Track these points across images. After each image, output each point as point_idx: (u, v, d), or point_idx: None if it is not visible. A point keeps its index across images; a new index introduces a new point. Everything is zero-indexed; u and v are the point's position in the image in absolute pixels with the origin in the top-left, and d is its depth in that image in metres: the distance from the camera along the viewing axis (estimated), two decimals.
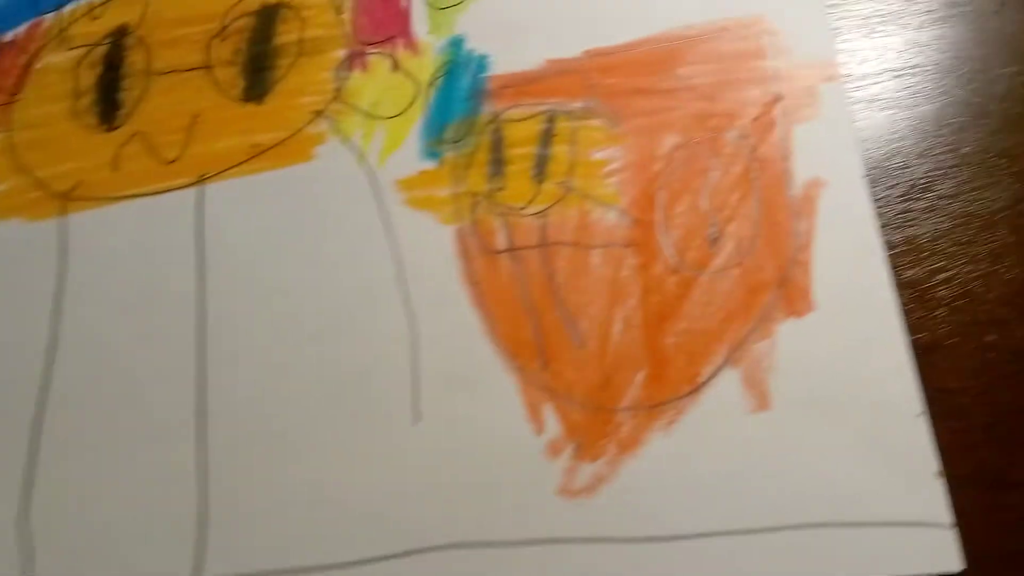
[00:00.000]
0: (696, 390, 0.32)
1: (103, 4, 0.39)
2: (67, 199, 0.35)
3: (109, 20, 0.39)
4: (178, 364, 0.33)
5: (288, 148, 0.37)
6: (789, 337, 0.32)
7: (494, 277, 0.34)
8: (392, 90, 0.38)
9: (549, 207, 0.35)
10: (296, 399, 0.33)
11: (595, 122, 0.37)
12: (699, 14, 0.39)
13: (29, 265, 0.34)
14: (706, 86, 0.37)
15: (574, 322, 0.33)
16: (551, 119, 0.37)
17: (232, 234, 0.35)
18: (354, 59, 0.38)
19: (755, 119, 0.36)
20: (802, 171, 0.35)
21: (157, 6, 0.39)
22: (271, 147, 0.36)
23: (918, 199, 0.35)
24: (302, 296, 0.34)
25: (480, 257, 0.34)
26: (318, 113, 0.37)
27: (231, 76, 0.38)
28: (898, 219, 0.34)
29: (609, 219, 0.35)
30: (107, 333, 0.33)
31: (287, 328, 0.33)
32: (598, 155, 0.36)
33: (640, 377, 0.32)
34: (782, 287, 0.33)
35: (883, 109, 0.37)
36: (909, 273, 0.33)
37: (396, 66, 0.38)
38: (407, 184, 0.36)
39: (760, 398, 0.32)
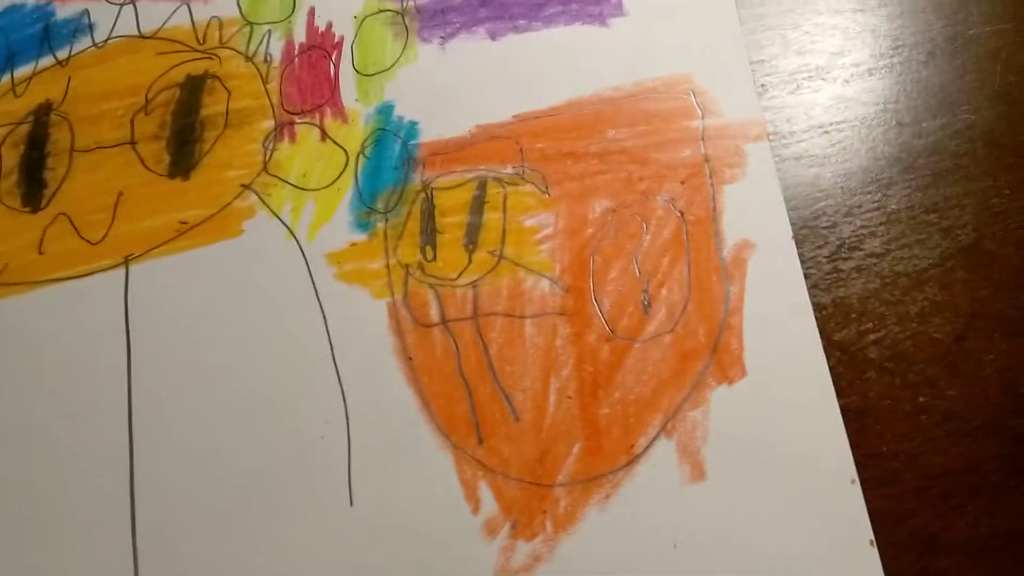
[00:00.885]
0: (632, 462, 0.31)
1: (25, 81, 0.37)
2: None
3: (31, 97, 0.37)
4: (109, 449, 0.32)
5: (216, 224, 0.35)
6: (722, 404, 0.32)
7: (427, 351, 0.33)
8: (321, 161, 0.37)
9: (482, 277, 0.34)
10: (229, 480, 0.32)
11: (526, 188, 0.36)
12: (625, 75, 0.38)
13: None
14: (635, 148, 0.37)
15: (509, 395, 0.32)
16: (482, 186, 0.36)
17: (160, 314, 0.33)
18: (282, 130, 0.37)
19: (683, 181, 0.36)
20: (731, 232, 0.35)
21: (80, 81, 0.38)
22: (199, 223, 0.35)
23: (847, 258, 0.34)
24: (233, 376, 0.33)
25: (413, 331, 0.33)
26: (246, 186, 0.36)
27: (156, 151, 0.36)
28: (827, 279, 0.34)
29: (542, 287, 0.34)
30: (37, 419, 0.31)
31: (219, 408, 0.32)
32: (530, 221, 0.35)
33: (576, 450, 0.32)
34: (714, 353, 0.33)
35: (810, 167, 0.36)
36: (839, 335, 0.33)
37: (324, 136, 0.37)
38: (338, 257, 0.35)
39: (695, 468, 0.31)
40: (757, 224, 0.35)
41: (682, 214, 0.35)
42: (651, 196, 0.36)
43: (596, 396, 0.32)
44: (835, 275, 0.34)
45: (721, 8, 0.40)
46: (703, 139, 0.37)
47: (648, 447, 0.31)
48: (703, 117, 0.37)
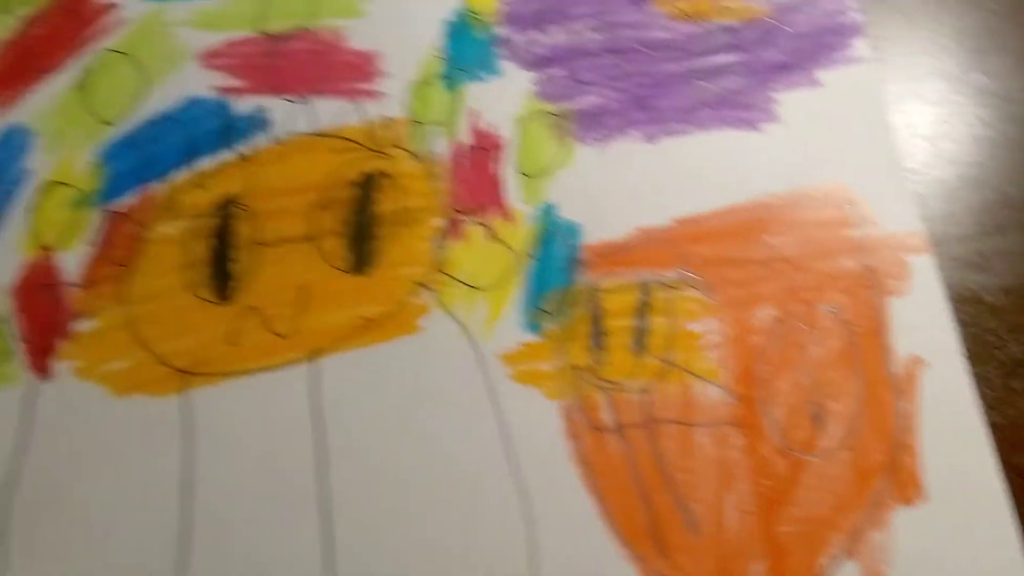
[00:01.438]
0: None
1: (208, 174, 0.39)
2: (188, 375, 0.35)
3: (215, 190, 0.39)
4: (303, 544, 0.33)
5: (394, 320, 0.37)
6: (903, 526, 0.32)
7: (603, 457, 0.34)
8: (489, 260, 0.38)
9: (651, 383, 0.35)
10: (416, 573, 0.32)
11: (689, 293, 0.37)
12: (781, 182, 0.39)
13: (159, 442, 0.33)
14: (796, 257, 0.37)
15: (686, 505, 0.33)
16: (646, 290, 0.37)
17: (347, 408, 0.35)
18: (451, 228, 0.39)
19: (847, 291, 0.36)
20: (900, 347, 0.35)
21: (260, 176, 0.39)
22: (378, 320, 0.36)
23: (1021, 376, 0.35)
24: (416, 472, 0.34)
25: (588, 435, 0.34)
26: (420, 284, 0.37)
27: (336, 247, 0.38)
28: (1000, 398, 0.34)
29: (711, 395, 0.35)
30: (236, 515, 0.33)
31: (403, 504, 0.33)
32: (695, 327, 0.36)
33: (760, 569, 0.32)
34: (892, 472, 0.33)
35: (975, 278, 0.37)
36: (1017, 457, 0.33)
37: (492, 235, 0.38)
38: (511, 358, 0.36)
39: None
40: (925, 339, 0.35)
41: (849, 327, 0.36)
42: (815, 306, 0.36)
43: (775, 512, 0.33)
44: (1008, 394, 0.34)
45: (873, 117, 0.41)
46: (863, 249, 0.38)
47: (833, 570, 0.32)
48: (862, 227, 0.38)
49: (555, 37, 0.43)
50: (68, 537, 0.33)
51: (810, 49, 0.43)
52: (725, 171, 0.40)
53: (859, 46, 0.43)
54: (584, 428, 0.35)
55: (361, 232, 0.39)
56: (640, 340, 0.36)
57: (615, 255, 0.38)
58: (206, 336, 0.37)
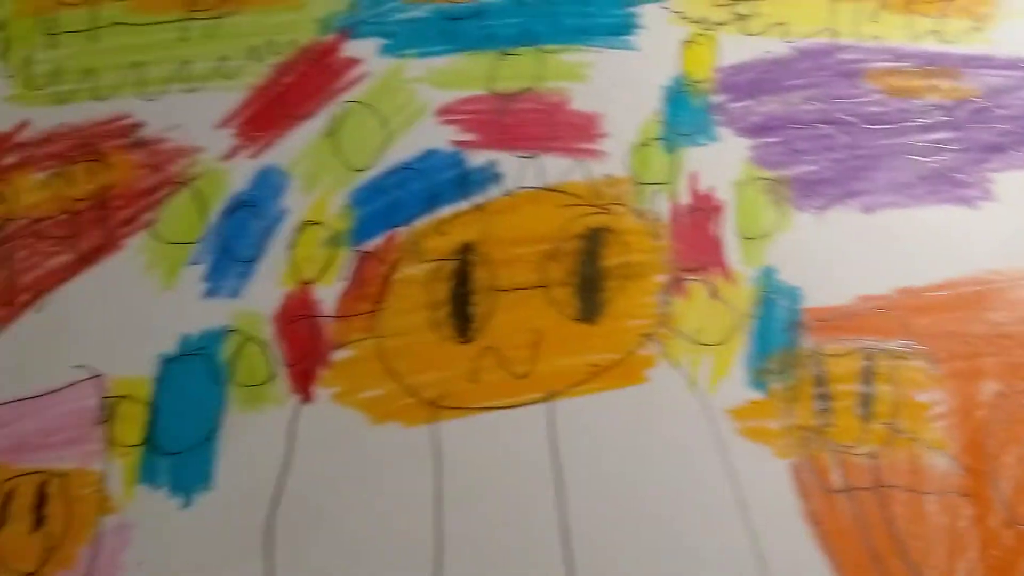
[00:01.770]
0: None
1: (447, 221, 0.42)
2: (435, 407, 0.38)
3: (454, 237, 0.42)
4: (550, 570, 0.35)
5: (623, 369, 0.39)
6: None
7: (834, 517, 0.35)
8: (713, 317, 0.40)
9: (879, 448, 0.36)
10: None
11: (914, 363, 0.38)
12: (1001, 260, 0.40)
13: (411, 467, 0.36)
14: (1019, 334, 0.38)
15: (919, 571, 0.34)
16: (870, 357, 0.38)
17: (581, 450, 0.37)
18: (674, 285, 0.41)
19: None
20: None
21: (495, 226, 0.42)
22: (608, 368, 0.39)
23: None
24: (648, 513, 0.36)
25: (818, 495, 0.36)
26: (647, 336, 0.39)
27: (566, 296, 0.40)
28: None
29: (940, 465, 0.36)
30: (486, 540, 0.35)
31: (637, 541, 0.35)
32: (921, 397, 0.37)
33: None
34: None
35: None
36: None
37: (714, 294, 0.40)
38: (738, 414, 0.38)
39: None
40: None
41: None
42: None
43: None
44: None
45: None
46: None
47: None
48: None
49: (770, 106, 0.45)
50: (328, 551, 0.36)
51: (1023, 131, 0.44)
52: (943, 245, 0.41)
53: None
54: (815, 488, 0.36)
55: (589, 283, 0.41)
56: (867, 406, 0.38)
57: (837, 321, 0.40)
58: (450, 372, 0.39)
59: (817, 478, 0.35)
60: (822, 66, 0.46)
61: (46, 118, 0.45)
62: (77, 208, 0.43)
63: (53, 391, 0.39)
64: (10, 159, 0.44)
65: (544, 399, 0.38)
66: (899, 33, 0.47)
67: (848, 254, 0.41)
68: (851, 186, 0.43)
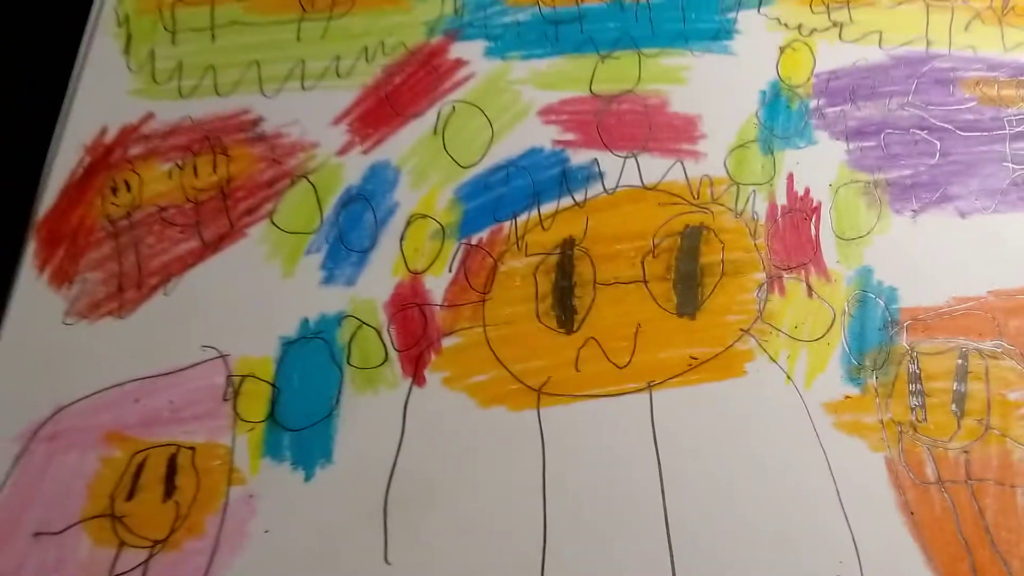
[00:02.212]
0: None
1: (551, 216, 0.44)
2: (540, 393, 0.40)
3: (557, 232, 0.44)
4: (648, 555, 0.36)
5: (721, 362, 0.40)
6: None
7: (927, 509, 0.37)
8: (810, 314, 0.41)
9: (971, 443, 0.38)
10: None
11: (1007, 362, 0.39)
12: None
13: (517, 450, 0.38)
14: None
15: (1008, 559, 0.35)
16: (964, 356, 0.39)
17: (682, 439, 0.39)
18: (772, 282, 0.42)
19: None
20: None
21: (595, 222, 0.44)
22: (707, 360, 0.40)
23: None
24: (750, 503, 0.37)
25: (912, 488, 0.37)
26: (744, 331, 0.41)
27: (665, 291, 0.42)
28: None
29: None
30: (590, 523, 0.37)
31: (740, 532, 0.36)
32: (1013, 395, 0.38)
33: None
34: None
35: None
36: None
37: (811, 292, 0.42)
38: (834, 408, 0.39)
39: None
40: None
41: None
42: None
43: None
44: None
45: None
46: None
47: None
48: None
49: (866, 111, 0.47)
50: (438, 524, 0.38)
51: None
52: None
53: None
54: (908, 480, 0.38)
55: (687, 279, 0.43)
56: (960, 403, 0.39)
57: (932, 320, 0.41)
58: (554, 361, 0.41)
59: (911, 471, 0.36)
60: (917, 73, 0.47)
61: (169, 112, 0.47)
62: (201, 198, 0.46)
63: (181, 369, 0.41)
64: (136, 150, 0.47)
65: (644, 389, 0.40)
66: (992, 43, 0.48)
67: (943, 256, 0.42)
68: (946, 190, 0.44)
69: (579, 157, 0.46)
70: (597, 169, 0.46)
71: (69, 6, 0.51)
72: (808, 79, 0.47)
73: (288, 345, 0.41)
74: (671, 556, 0.37)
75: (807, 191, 0.44)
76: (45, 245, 0.44)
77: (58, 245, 0.44)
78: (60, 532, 0.37)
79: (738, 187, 0.44)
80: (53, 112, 0.48)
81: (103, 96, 0.48)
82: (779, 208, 0.44)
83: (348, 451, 0.39)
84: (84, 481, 0.38)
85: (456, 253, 0.44)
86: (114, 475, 0.39)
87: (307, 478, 0.39)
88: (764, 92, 0.47)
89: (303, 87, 0.48)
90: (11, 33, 0.52)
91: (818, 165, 0.45)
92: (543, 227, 0.44)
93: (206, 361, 0.41)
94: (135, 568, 0.37)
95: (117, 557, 0.38)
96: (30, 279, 0.43)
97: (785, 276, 0.42)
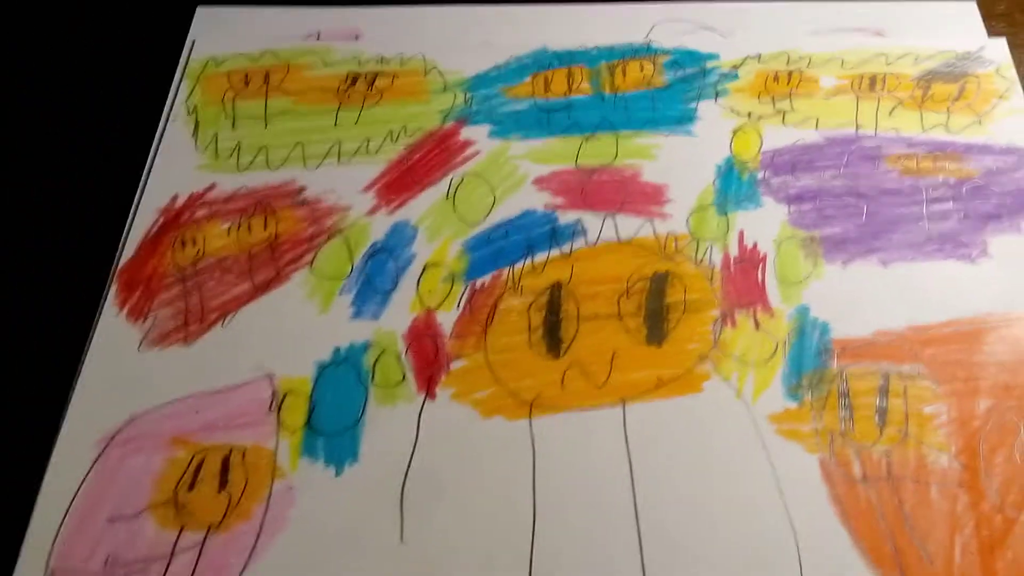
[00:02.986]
0: None
1: (542, 264, 0.52)
2: (532, 406, 0.47)
3: (547, 276, 0.52)
4: (621, 541, 0.43)
5: (683, 382, 0.48)
6: None
7: (855, 500, 0.43)
8: (757, 344, 0.49)
9: (892, 447, 0.44)
10: None
11: (922, 383, 0.46)
12: (995, 305, 0.49)
13: (513, 453, 0.45)
14: (1009, 363, 0.46)
15: (923, 543, 0.41)
16: (886, 377, 0.47)
17: (650, 446, 0.45)
18: (725, 318, 0.50)
19: None
20: None
21: (580, 269, 0.52)
22: (670, 380, 0.47)
23: None
24: (707, 497, 0.43)
25: (841, 483, 0.44)
26: (703, 357, 0.48)
27: (636, 324, 0.50)
28: None
29: (942, 462, 0.44)
30: (572, 515, 0.43)
31: (697, 521, 0.43)
32: (928, 409, 0.45)
33: None
34: None
35: None
36: None
37: (757, 325, 0.49)
38: (776, 418, 0.46)
39: None
40: None
41: None
42: None
43: (993, 553, 0.41)
44: None
45: None
46: None
47: None
48: None
49: (805, 181, 0.55)
50: (447, 515, 0.45)
51: (1015, 205, 0.53)
52: (947, 293, 0.50)
53: None
54: (839, 477, 0.44)
55: (655, 315, 0.51)
56: (882, 415, 0.46)
57: (860, 348, 0.48)
58: (543, 380, 0.49)
59: (841, 470, 0.43)
60: (847, 151, 0.56)
61: (229, 182, 0.57)
62: (253, 251, 0.54)
63: (235, 387, 0.49)
64: (201, 212, 0.56)
65: (618, 403, 0.47)
66: (912, 126, 0.57)
67: (869, 297, 0.50)
68: (871, 244, 0.52)
69: (566, 217, 0.55)
70: (581, 227, 0.54)
71: (150, 99, 0.62)
72: (756, 155, 0.56)
73: (323, 368, 0.49)
74: (639, 541, 0.43)
75: (755, 245, 0.52)
76: (124, 288, 0.52)
77: (135, 288, 0.52)
78: (131, 517, 0.44)
79: (698, 242, 0.53)
80: (134, 182, 0.57)
81: (175, 170, 0.57)
82: (732, 258, 0.52)
83: (372, 452, 0.46)
84: (151, 477, 0.45)
85: (463, 293, 0.52)
86: (177, 472, 0.46)
87: (337, 474, 0.45)
88: (720, 166, 0.56)
89: (339, 162, 0.57)
90: (101, 119, 0.62)
91: (764, 224, 0.53)
92: (536, 273, 0.52)
93: (255, 381, 0.49)
94: (194, 547, 0.43)
95: (179, 538, 0.44)
96: (111, 315, 0.51)
97: (736, 312, 0.50)
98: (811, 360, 0.48)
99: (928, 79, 0.59)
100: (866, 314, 0.49)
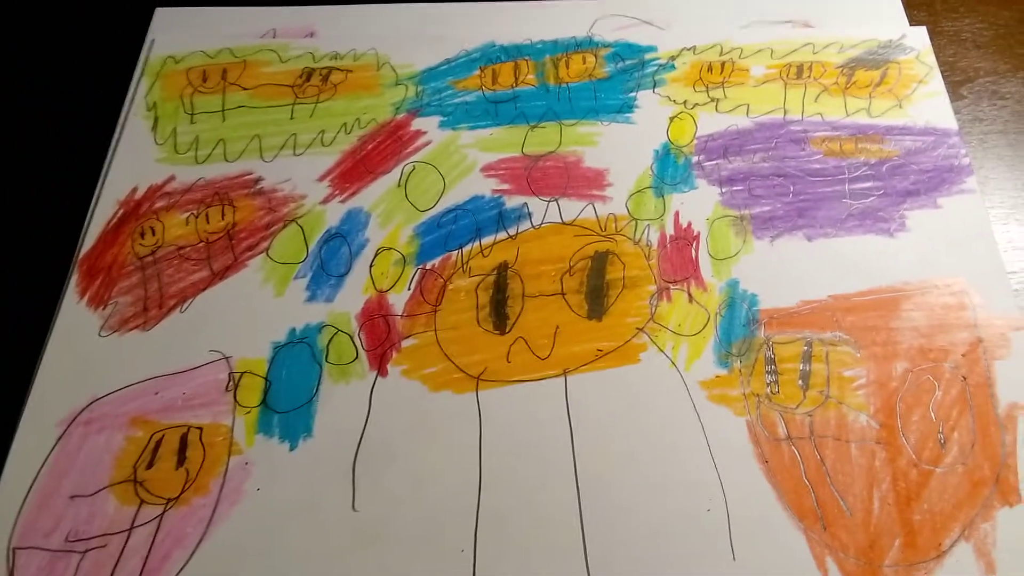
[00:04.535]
0: (940, 556, 0.41)
1: (489, 246, 0.53)
2: (479, 380, 0.47)
3: (494, 258, 0.52)
4: (562, 498, 0.44)
5: (621, 353, 0.48)
6: (1005, 519, 0.41)
7: (779, 459, 0.44)
8: (690, 316, 0.50)
9: (814, 409, 0.46)
10: (642, 537, 0.43)
11: (843, 348, 0.47)
12: (912, 274, 0.50)
13: (460, 423, 0.46)
14: (924, 327, 0.48)
15: (843, 497, 0.43)
16: (809, 344, 0.48)
17: (590, 412, 0.46)
18: (661, 292, 0.51)
19: (963, 355, 0.46)
20: (1003, 395, 0.45)
21: (524, 250, 0.53)
22: (609, 352, 0.48)
23: None
24: (644, 460, 0.44)
25: (767, 443, 0.45)
26: (639, 329, 0.49)
27: (578, 301, 0.50)
28: None
29: (861, 421, 0.45)
30: (516, 477, 0.44)
31: (635, 481, 0.44)
32: (848, 373, 0.47)
33: (898, 543, 0.41)
34: (997, 484, 0.42)
35: None
36: None
37: (691, 299, 0.50)
38: (707, 384, 0.47)
39: (988, 565, 0.40)
40: (1022, 390, 0.45)
41: (964, 379, 0.46)
42: (939, 363, 0.46)
43: (910, 505, 0.42)
44: None
45: (981, 232, 0.52)
46: (976, 326, 0.48)
47: (952, 546, 0.41)
48: (974, 310, 0.48)
49: (735, 164, 0.56)
50: (396, 484, 0.45)
51: (932, 181, 0.55)
52: (868, 264, 0.51)
53: (969, 181, 0.55)
54: (764, 438, 0.45)
55: (596, 292, 0.52)
56: (805, 379, 0.47)
57: (785, 318, 0.49)
58: (490, 355, 0.49)
59: (766, 430, 0.44)
60: (776, 135, 0.57)
61: (188, 174, 0.57)
62: (211, 239, 0.54)
63: (193, 368, 0.49)
64: (160, 203, 0.56)
65: (560, 375, 0.48)
66: (836, 110, 0.58)
67: (794, 270, 0.51)
68: (797, 221, 0.53)
69: (512, 202, 0.55)
70: (527, 210, 0.55)
71: (111, 96, 0.61)
72: (691, 141, 0.57)
73: (278, 348, 0.49)
74: (579, 501, 0.44)
75: (689, 224, 0.53)
76: (85, 276, 0.52)
77: (96, 277, 0.52)
78: (92, 494, 0.44)
79: (636, 222, 0.53)
80: (94, 174, 0.57)
81: (135, 163, 0.57)
82: (668, 237, 0.53)
83: (325, 427, 0.46)
84: (112, 456, 0.45)
85: (414, 276, 0.52)
86: (136, 450, 0.46)
87: (291, 448, 0.46)
88: (657, 151, 0.56)
89: (295, 153, 0.58)
90: (63, 115, 0.62)
91: (698, 204, 0.54)
92: (483, 255, 0.53)
93: (212, 362, 0.49)
94: (152, 520, 0.44)
95: (137, 513, 0.44)
96: (72, 303, 0.51)
97: (671, 287, 0.51)
98: (740, 330, 0.49)
99: (852, 66, 0.60)
100: (791, 286, 0.50)
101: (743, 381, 0.46)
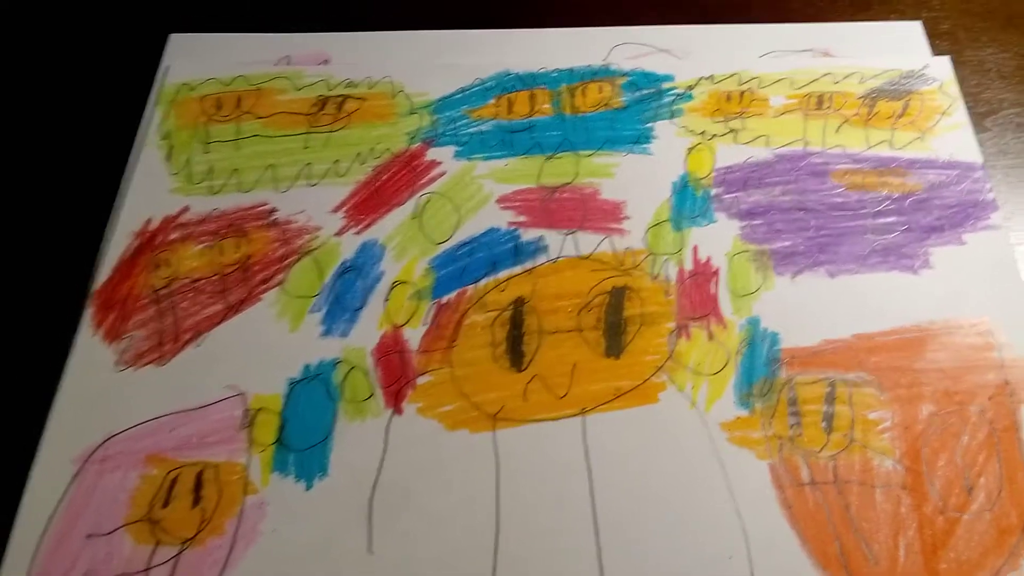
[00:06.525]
0: None
1: (506, 280, 0.53)
2: (495, 419, 0.48)
3: (511, 293, 0.53)
4: (580, 543, 0.44)
5: (640, 392, 0.48)
6: None
7: (803, 503, 0.44)
8: (710, 354, 0.50)
9: (838, 452, 0.45)
10: None
11: (867, 390, 0.47)
12: (937, 313, 0.50)
13: (477, 463, 0.46)
14: (950, 369, 0.48)
15: (868, 544, 0.43)
16: (832, 385, 0.48)
17: (609, 454, 0.46)
18: (680, 330, 0.51)
19: (990, 398, 0.46)
20: None
21: (541, 284, 0.53)
22: (628, 391, 0.48)
23: None
24: (662, 502, 0.44)
25: (790, 488, 0.45)
26: (659, 368, 0.49)
27: (596, 337, 0.50)
28: None
29: (886, 466, 0.45)
30: (534, 519, 0.44)
31: (653, 526, 0.44)
32: (872, 415, 0.46)
33: None
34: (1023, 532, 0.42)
35: None
36: None
37: (711, 337, 0.50)
38: (728, 426, 0.47)
39: None
40: None
41: (991, 423, 0.46)
42: (965, 406, 0.46)
43: (936, 554, 0.42)
44: None
45: (1007, 269, 0.52)
46: (1002, 367, 0.47)
47: None
48: (1000, 350, 0.48)
49: (755, 197, 0.57)
50: (413, 526, 0.45)
51: (956, 217, 0.54)
52: (891, 302, 0.51)
53: (995, 216, 0.54)
54: (787, 482, 0.45)
55: (614, 328, 0.52)
56: (828, 421, 0.47)
57: (807, 357, 0.49)
58: (507, 393, 0.49)
59: (789, 474, 0.44)
60: (796, 167, 0.57)
61: (202, 205, 0.57)
62: (226, 271, 0.55)
63: (208, 404, 0.49)
64: (175, 235, 0.56)
65: (578, 414, 0.48)
66: (858, 142, 0.59)
67: (816, 307, 0.51)
68: (819, 257, 0.53)
69: (529, 235, 0.55)
70: (543, 244, 0.55)
71: (124, 125, 0.62)
72: (710, 173, 0.57)
73: (293, 384, 0.50)
74: (597, 545, 0.44)
75: (708, 259, 0.53)
76: (100, 310, 0.53)
77: (111, 310, 0.53)
78: (108, 534, 0.44)
79: (654, 257, 0.54)
80: (107, 204, 0.58)
81: (149, 193, 0.58)
82: (686, 272, 0.53)
83: (341, 467, 0.47)
84: (128, 494, 0.46)
85: (430, 310, 0.52)
86: (152, 488, 0.46)
87: (307, 488, 0.46)
88: (675, 183, 0.57)
89: (309, 184, 0.58)
90: (79, 145, 0.62)
91: (717, 239, 0.54)
92: (499, 289, 0.53)
93: (227, 398, 0.49)
94: (168, 560, 0.44)
95: (154, 553, 0.45)
96: (87, 336, 0.51)
97: (691, 325, 0.51)
98: (761, 369, 0.49)
99: (874, 97, 0.60)
100: (814, 324, 0.50)
101: (765, 423, 0.46)
